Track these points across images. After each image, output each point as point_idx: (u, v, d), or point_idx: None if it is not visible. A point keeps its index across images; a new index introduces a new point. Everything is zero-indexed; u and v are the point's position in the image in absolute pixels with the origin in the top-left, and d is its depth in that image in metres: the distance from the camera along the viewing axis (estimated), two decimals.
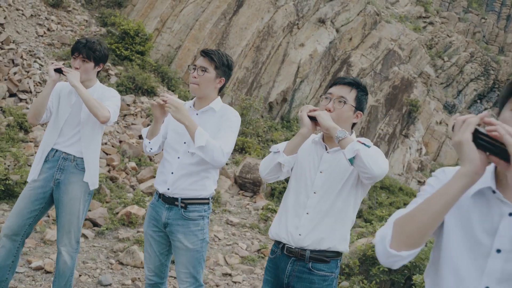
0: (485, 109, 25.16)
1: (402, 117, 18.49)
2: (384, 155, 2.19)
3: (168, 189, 2.77)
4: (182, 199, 2.76)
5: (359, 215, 11.03)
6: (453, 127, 1.24)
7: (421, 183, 17.26)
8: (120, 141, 9.79)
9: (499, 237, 1.22)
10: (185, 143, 2.76)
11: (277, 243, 2.41)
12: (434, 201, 1.21)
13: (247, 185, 9.82)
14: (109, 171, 8.72)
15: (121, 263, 5.43)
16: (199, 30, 15.49)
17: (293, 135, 17.21)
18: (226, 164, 10.77)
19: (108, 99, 3.24)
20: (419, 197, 1.38)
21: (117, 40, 13.29)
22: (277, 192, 10.05)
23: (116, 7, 15.95)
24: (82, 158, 3.22)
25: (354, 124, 2.44)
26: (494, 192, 1.26)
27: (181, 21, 15.63)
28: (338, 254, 2.33)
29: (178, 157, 2.78)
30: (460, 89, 24.82)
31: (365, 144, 2.10)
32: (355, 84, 2.37)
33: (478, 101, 25.55)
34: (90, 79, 3.32)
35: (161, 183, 2.82)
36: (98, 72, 3.41)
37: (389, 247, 1.27)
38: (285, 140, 14.96)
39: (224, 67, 2.82)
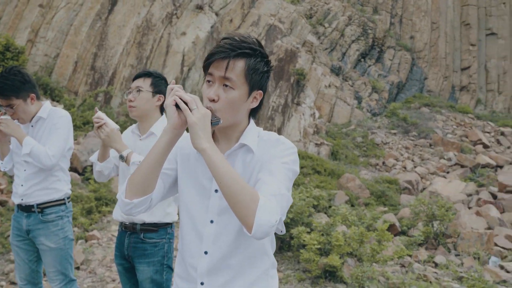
0: (369, 66, 27.29)
1: (291, 87, 19.60)
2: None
3: (22, 199, 3.10)
4: (37, 204, 3.08)
5: None
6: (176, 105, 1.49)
7: (318, 145, 18.59)
8: None
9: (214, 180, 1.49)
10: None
11: (119, 222, 2.83)
12: (149, 154, 1.51)
13: None
14: None
15: (13, 283, 5.63)
16: (75, 34, 15.18)
17: None
18: None
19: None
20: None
21: None
22: None
23: None
24: None
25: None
26: None
27: (55, 28, 15.18)
28: (166, 224, 2.75)
29: (25, 170, 3.09)
30: (343, 51, 26.59)
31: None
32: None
33: (362, 59, 27.59)
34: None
35: (15, 195, 3.13)
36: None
37: (124, 198, 1.54)
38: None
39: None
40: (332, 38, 26.29)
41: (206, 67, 1.54)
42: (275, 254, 6.34)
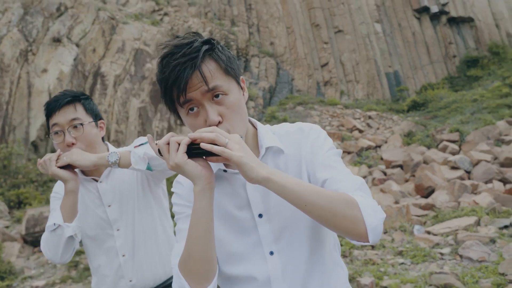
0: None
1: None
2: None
3: None
4: None
5: None
6: (159, 151, 1.19)
7: None
8: None
9: (253, 204, 1.27)
10: None
11: None
12: (195, 228, 1.18)
13: (40, 238, 8.86)
14: None
15: None
16: None
17: None
18: (6, 227, 9.46)
19: None
20: (179, 223, 1.33)
21: None
22: None
23: None
24: None
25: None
26: (225, 171, 1.31)
27: None
28: None
29: None
30: None
31: (141, 144, 1.84)
32: (73, 97, 1.97)
33: None
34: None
35: None
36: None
37: None
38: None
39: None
40: None
41: (174, 98, 1.21)
42: None
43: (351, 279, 5.20)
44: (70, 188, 1.90)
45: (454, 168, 10.89)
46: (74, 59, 16.60)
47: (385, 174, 13.39)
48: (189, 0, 30.22)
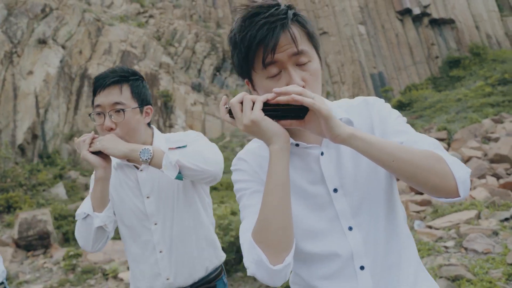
0: (225, 78, 27.94)
1: (160, 111, 18.97)
2: (207, 140, 1.85)
3: None
4: None
5: None
6: (229, 111, 1.14)
7: None
8: None
9: (328, 178, 1.23)
10: None
11: None
12: (271, 193, 1.12)
13: (34, 242, 8.66)
14: None
15: None
16: None
17: (60, 169, 15.76)
18: None
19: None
20: (244, 200, 1.27)
21: None
22: (70, 233, 9.19)
23: None
24: None
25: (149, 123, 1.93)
26: (297, 145, 1.26)
27: None
28: (217, 268, 2.05)
29: None
30: (198, 68, 26.78)
31: (179, 147, 1.71)
32: (120, 77, 1.81)
33: (217, 73, 28.13)
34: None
35: None
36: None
37: (272, 266, 1.11)
38: (54, 178, 13.62)
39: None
40: (185, 56, 26.26)
41: (255, 60, 1.16)
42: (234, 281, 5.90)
43: None
44: (99, 176, 1.77)
45: None
46: (61, 61, 16.34)
47: None
48: (174, 2, 30.09)
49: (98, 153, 1.77)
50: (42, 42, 15.99)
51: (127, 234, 1.98)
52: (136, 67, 18.99)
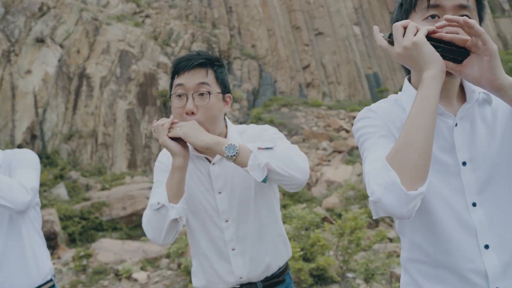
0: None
1: (159, 110, 18.81)
2: (294, 145, 1.73)
3: None
4: None
5: None
6: (390, 36, 1.14)
7: None
8: None
9: (459, 149, 1.21)
10: None
11: None
12: (418, 116, 1.08)
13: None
14: None
15: None
16: None
17: (60, 169, 15.52)
18: None
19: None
20: (374, 139, 1.24)
21: None
22: (76, 234, 9.03)
23: None
24: None
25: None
26: None
27: None
28: (286, 265, 1.98)
29: None
30: None
31: (267, 148, 1.58)
32: (207, 60, 1.67)
33: None
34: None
35: None
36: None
37: (406, 190, 1.04)
38: (54, 179, 13.40)
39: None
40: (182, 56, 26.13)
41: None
42: None
43: (383, 272, 5.15)
44: (177, 164, 1.64)
45: None
46: (59, 60, 16.15)
47: None
48: (170, 2, 29.92)
49: (177, 139, 1.64)
50: (40, 41, 15.79)
51: (196, 227, 1.87)
52: (134, 67, 18.85)
